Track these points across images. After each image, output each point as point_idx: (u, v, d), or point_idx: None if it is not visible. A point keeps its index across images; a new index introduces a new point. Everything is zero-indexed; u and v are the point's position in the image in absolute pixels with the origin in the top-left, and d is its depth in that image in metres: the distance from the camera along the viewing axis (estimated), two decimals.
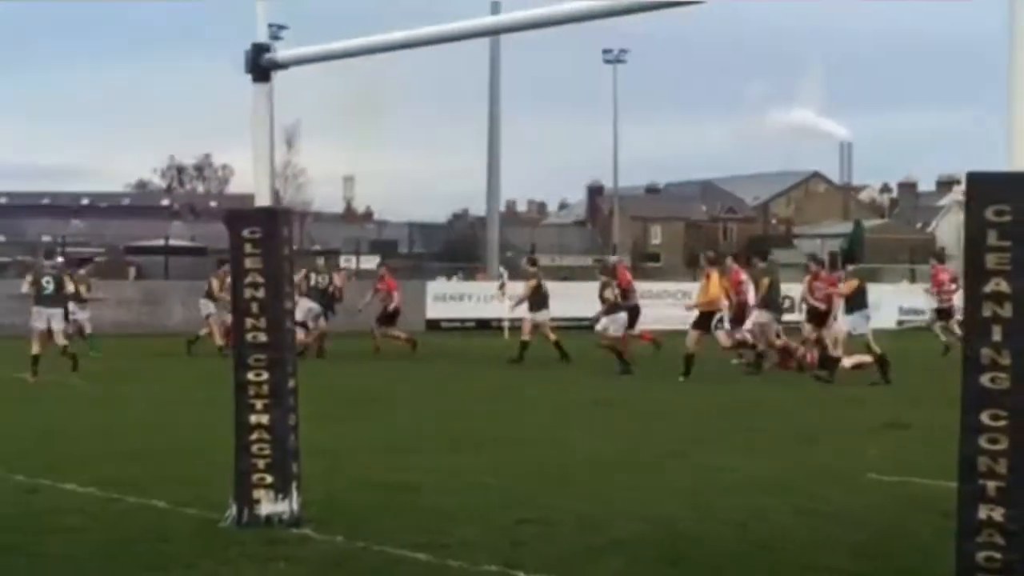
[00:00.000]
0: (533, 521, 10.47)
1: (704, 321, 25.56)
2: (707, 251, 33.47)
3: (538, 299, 29.66)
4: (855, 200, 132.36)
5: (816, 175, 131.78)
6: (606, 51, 77.11)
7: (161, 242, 74.40)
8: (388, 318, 32.24)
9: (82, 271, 32.47)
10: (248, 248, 10.31)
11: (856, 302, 24.53)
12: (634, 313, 28.36)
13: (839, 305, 25.73)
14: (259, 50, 10.43)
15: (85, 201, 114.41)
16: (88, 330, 31.11)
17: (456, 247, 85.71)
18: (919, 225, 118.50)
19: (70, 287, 25.04)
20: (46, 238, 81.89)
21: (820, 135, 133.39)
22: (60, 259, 31.58)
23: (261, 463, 10.28)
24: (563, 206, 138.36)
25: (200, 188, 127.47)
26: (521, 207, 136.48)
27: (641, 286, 42.91)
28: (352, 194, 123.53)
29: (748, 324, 26.98)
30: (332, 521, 10.35)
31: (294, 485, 10.33)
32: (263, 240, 10.28)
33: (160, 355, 30.10)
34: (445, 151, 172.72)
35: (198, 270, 45.61)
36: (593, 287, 28.57)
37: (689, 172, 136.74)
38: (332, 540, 9.79)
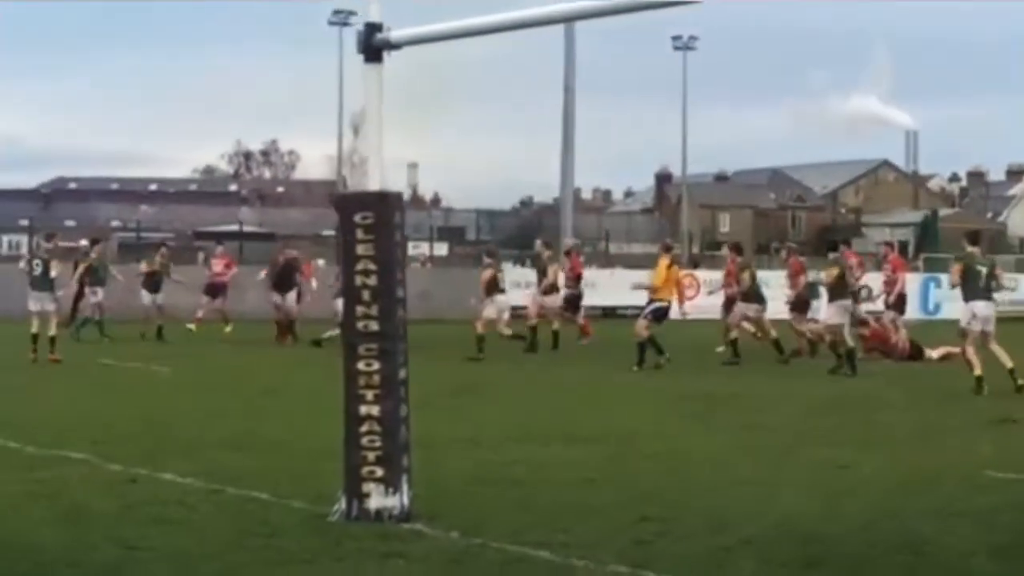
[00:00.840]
0: (654, 519, 10.08)
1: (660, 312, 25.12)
2: (666, 239, 33.09)
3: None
4: (924, 189, 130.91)
5: (885, 164, 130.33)
6: (675, 38, 76.40)
7: (228, 227, 74.55)
8: None
9: (93, 253, 32.32)
10: (360, 234, 9.96)
11: (836, 293, 24.03)
12: (576, 300, 30.32)
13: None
14: (372, 30, 10.09)
15: (153, 187, 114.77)
16: (89, 313, 30.94)
17: (523, 234, 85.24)
18: (990, 215, 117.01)
19: (54, 272, 24.91)
20: (115, 223, 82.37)
21: (885, 123, 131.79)
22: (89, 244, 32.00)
23: (371, 456, 9.93)
24: (629, 194, 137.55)
25: (267, 174, 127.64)
26: (586, 195, 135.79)
27: (710, 275, 42.61)
28: (416, 181, 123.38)
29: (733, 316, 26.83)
30: (444, 516, 9.99)
31: (404, 479, 9.96)
32: (376, 225, 9.94)
33: (238, 342, 29.88)
34: (509, 139, 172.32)
35: (267, 256, 45.51)
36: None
37: (757, 160, 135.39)
38: (447, 536, 9.44)
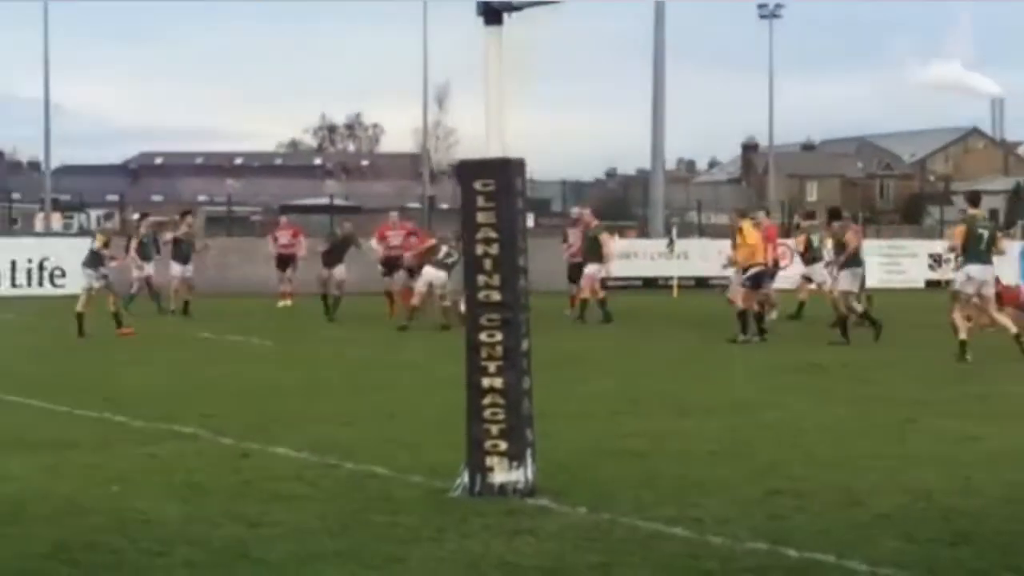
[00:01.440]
0: (784, 492, 9.77)
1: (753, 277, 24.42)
2: (738, 205, 32.15)
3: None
4: (1014, 156, 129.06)
5: (975, 131, 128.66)
6: (761, 6, 75.44)
7: (316, 200, 74.71)
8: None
9: (141, 228, 32.21)
10: (481, 201, 9.71)
11: (849, 260, 23.56)
12: (579, 268, 28.99)
13: None
14: None
15: (239, 161, 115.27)
16: (135, 290, 30.83)
17: (610, 206, 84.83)
18: None
19: (96, 245, 24.59)
20: (202, 197, 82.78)
21: (969, 90, 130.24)
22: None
23: (494, 429, 9.68)
24: (713, 164, 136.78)
25: (351, 147, 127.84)
26: (670, 166, 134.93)
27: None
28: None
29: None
30: (568, 491, 9.74)
31: (529, 453, 9.71)
32: (497, 193, 9.68)
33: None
34: (591, 111, 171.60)
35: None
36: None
37: (843, 129, 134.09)
38: (575, 512, 9.18)
